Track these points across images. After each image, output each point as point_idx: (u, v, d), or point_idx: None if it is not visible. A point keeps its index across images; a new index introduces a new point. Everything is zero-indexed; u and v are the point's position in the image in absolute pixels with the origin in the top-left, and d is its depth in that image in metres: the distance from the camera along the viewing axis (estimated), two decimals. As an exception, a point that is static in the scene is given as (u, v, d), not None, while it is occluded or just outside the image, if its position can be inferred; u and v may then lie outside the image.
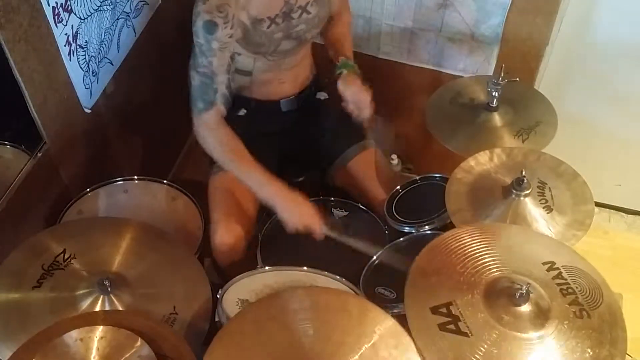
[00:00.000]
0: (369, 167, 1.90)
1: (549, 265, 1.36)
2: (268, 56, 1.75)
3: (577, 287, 1.32)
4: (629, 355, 1.33)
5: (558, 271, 1.35)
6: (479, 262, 1.34)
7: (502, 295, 1.28)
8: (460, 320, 1.25)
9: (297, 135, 1.92)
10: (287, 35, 1.72)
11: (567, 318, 1.27)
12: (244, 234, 1.75)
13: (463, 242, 1.39)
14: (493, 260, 1.35)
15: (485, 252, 1.36)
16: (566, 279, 1.33)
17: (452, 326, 1.25)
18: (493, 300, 1.27)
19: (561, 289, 1.32)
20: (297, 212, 1.64)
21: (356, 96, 1.75)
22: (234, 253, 1.75)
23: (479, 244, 1.38)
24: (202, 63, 1.61)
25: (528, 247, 1.40)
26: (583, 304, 1.30)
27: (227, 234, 1.73)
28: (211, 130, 1.68)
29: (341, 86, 1.76)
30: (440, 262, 1.35)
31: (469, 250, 1.37)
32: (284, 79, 1.86)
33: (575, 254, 1.43)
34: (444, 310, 1.27)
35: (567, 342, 1.24)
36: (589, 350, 1.24)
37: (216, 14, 1.56)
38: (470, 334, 1.23)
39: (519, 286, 1.26)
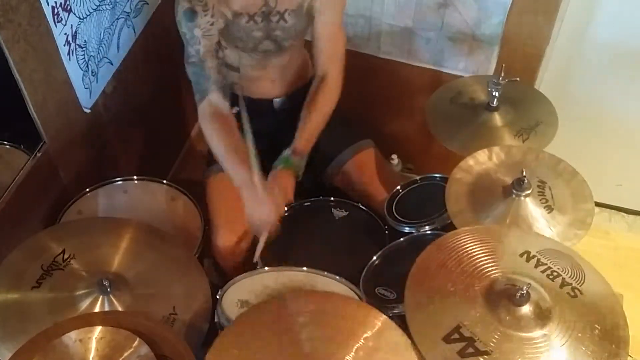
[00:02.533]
0: (367, 168, 1.89)
1: (525, 255, 1.35)
2: (251, 53, 1.76)
3: (558, 268, 1.32)
4: (630, 356, 1.32)
5: (536, 258, 1.34)
6: (465, 273, 1.32)
7: (503, 299, 1.26)
8: (475, 341, 1.21)
9: (292, 136, 1.91)
10: (267, 36, 1.73)
11: (565, 301, 1.27)
12: (245, 236, 1.74)
13: (440, 258, 1.35)
14: (478, 266, 1.33)
15: (466, 260, 1.34)
16: (546, 263, 1.33)
17: (470, 349, 1.20)
18: (497, 308, 1.25)
19: (547, 275, 1.31)
20: (257, 210, 1.60)
21: (276, 196, 1.62)
22: (236, 255, 1.75)
23: (454, 255, 1.35)
24: (191, 53, 1.66)
25: (501, 246, 1.38)
26: (572, 283, 1.30)
27: (228, 237, 1.73)
28: (205, 122, 1.69)
29: (271, 178, 1.66)
30: (428, 288, 1.31)
31: (450, 263, 1.34)
32: (274, 78, 1.86)
33: (540, 236, 1.42)
34: (456, 336, 1.23)
35: (575, 325, 1.24)
36: (596, 325, 1.24)
37: (195, 2, 1.61)
38: (490, 351, 1.20)
39: (518, 286, 1.25)
